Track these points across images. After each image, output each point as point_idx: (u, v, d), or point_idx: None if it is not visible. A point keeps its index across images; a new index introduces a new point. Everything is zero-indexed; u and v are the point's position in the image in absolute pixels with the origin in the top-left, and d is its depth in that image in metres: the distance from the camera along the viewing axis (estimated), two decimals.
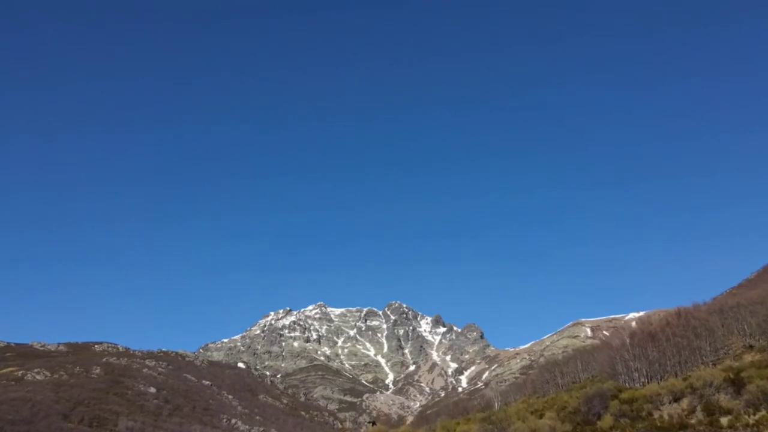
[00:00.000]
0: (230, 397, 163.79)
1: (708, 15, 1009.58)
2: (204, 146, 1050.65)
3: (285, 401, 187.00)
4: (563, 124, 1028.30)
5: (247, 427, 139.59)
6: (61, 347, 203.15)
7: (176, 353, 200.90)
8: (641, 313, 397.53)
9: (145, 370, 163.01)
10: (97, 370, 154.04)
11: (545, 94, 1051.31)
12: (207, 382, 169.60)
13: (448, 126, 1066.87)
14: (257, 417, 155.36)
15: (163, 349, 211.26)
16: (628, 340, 60.99)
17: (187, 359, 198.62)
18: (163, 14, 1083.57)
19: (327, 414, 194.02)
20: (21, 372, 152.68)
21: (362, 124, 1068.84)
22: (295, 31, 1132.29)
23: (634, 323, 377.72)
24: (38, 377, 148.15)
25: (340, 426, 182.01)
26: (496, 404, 75.06)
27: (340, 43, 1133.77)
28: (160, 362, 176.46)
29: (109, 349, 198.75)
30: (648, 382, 52.32)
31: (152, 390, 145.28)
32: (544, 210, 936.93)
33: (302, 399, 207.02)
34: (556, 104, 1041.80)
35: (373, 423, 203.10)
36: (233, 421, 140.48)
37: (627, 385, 53.36)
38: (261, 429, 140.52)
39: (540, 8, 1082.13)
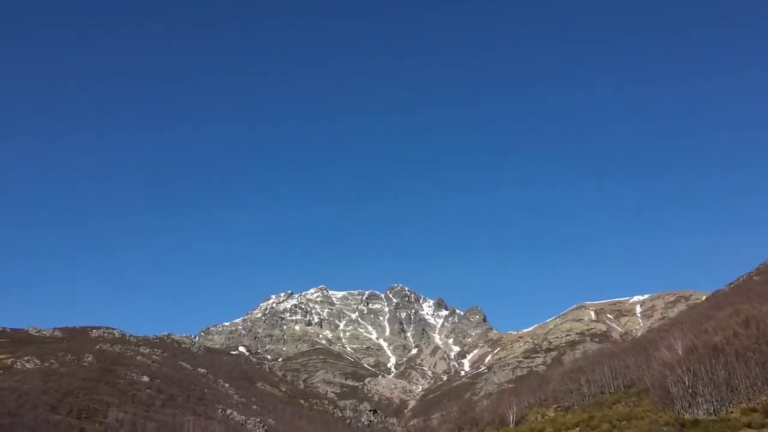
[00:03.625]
0: (227, 385, 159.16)
1: (710, 12, 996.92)
2: (205, 143, 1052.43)
3: (284, 389, 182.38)
4: (566, 120, 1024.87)
5: (243, 417, 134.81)
6: (57, 333, 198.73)
7: (172, 339, 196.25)
8: (645, 297, 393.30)
9: (138, 357, 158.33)
10: (89, 358, 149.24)
11: (548, 90, 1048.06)
12: (203, 370, 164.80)
13: (453, 122, 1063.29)
14: (254, 406, 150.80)
15: (159, 335, 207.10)
16: (680, 351, 51.51)
17: (183, 346, 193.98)
18: (165, 16, 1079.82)
19: (326, 402, 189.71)
20: (11, 360, 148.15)
21: (364, 119, 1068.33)
22: (293, 31, 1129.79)
23: (638, 307, 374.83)
24: (28, 365, 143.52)
25: (340, 414, 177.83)
26: (511, 417, 67.72)
27: (342, 42, 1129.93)
28: (155, 349, 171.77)
29: (105, 334, 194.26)
30: (714, 412, 43.67)
31: (145, 379, 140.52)
32: (548, 199, 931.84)
33: (301, 386, 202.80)
34: (559, 101, 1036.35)
35: (374, 411, 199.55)
36: (229, 411, 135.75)
37: (684, 414, 44.68)
38: (258, 419, 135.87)
39: (540, 7, 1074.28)
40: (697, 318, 76.00)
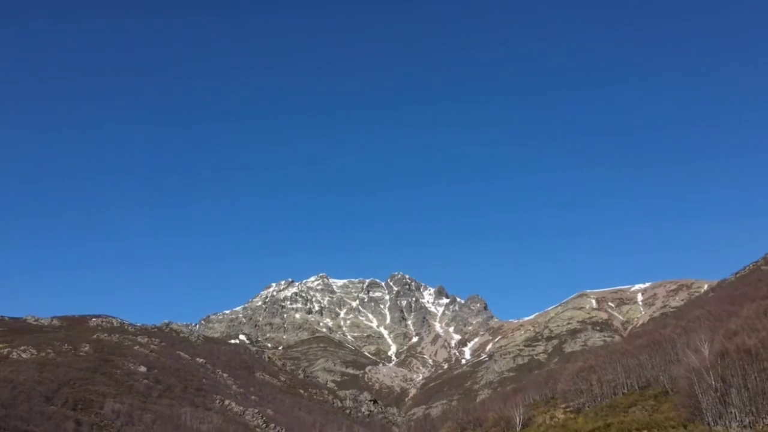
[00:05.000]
0: (225, 375, 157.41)
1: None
2: (206, 134, 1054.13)
3: (283, 378, 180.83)
4: (567, 112, 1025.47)
5: (241, 408, 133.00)
6: (55, 321, 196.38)
7: (171, 328, 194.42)
8: (647, 285, 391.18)
9: (136, 347, 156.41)
10: (86, 348, 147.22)
11: (548, 83, 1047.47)
12: (201, 360, 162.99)
13: (454, 113, 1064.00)
14: (253, 397, 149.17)
15: (159, 324, 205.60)
16: (707, 353, 47.42)
17: (181, 335, 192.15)
18: (169, 10, 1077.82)
19: (326, 392, 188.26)
20: (7, 349, 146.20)
21: (364, 112, 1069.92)
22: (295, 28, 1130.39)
23: (640, 295, 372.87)
24: (24, 355, 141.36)
25: (340, 404, 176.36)
26: (517, 419, 64.57)
27: (343, 39, 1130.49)
28: (153, 339, 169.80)
29: (103, 323, 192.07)
30: (750, 424, 40.22)
31: (142, 369, 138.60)
32: (549, 187, 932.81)
33: (301, 376, 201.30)
34: (560, 93, 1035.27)
35: (375, 401, 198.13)
36: (227, 402, 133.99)
37: (715, 426, 41.22)
38: (256, 410, 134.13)
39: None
40: (717, 314, 72.58)
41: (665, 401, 51.62)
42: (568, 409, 64.01)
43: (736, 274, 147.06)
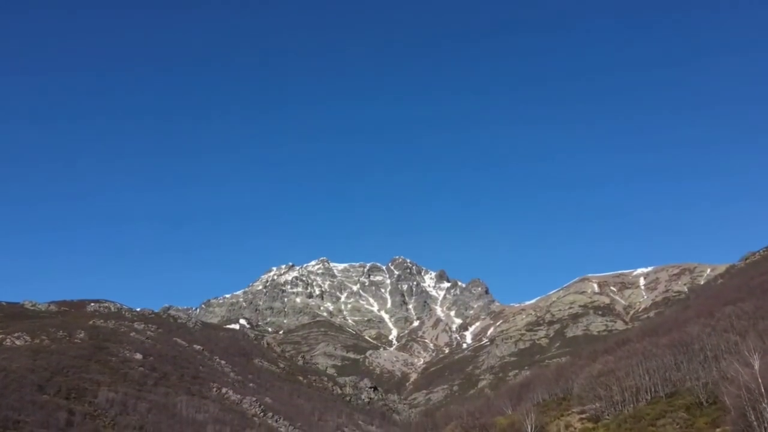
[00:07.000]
0: (223, 362, 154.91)
1: None
2: (205, 122, 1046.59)
3: (282, 365, 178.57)
4: (569, 95, 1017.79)
5: (239, 396, 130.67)
6: (52, 307, 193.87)
7: (168, 314, 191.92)
8: (649, 269, 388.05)
9: (132, 334, 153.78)
10: (81, 335, 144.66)
11: (551, 75, 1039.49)
12: (198, 347, 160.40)
13: (454, 98, 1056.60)
14: (251, 384, 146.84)
15: (158, 309, 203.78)
16: (758, 367, 42.04)
17: (179, 321, 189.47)
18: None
19: (326, 379, 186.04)
20: (1, 336, 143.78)
21: (365, 92, 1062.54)
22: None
23: (642, 279, 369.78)
24: (18, 342, 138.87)
25: (339, 391, 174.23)
26: (529, 428, 60.64)
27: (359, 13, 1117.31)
28: (150, 325, 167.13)
29: (101, 309, 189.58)
30: None
31: (138, 356, 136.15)
32: (550, 172, 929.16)
33: (300, 362, 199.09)
34: (564, 81, 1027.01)
35: (375, 388, 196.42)
36: (224, 390, 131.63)
37: None
38: (254, 398, 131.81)
39: None
40: (750, 311, 68.04)
41: (700, 414, 47.14)
42: (583, 416, 59.85)
43: (745, 259, 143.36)
